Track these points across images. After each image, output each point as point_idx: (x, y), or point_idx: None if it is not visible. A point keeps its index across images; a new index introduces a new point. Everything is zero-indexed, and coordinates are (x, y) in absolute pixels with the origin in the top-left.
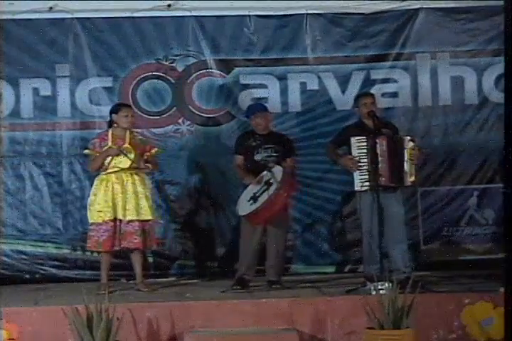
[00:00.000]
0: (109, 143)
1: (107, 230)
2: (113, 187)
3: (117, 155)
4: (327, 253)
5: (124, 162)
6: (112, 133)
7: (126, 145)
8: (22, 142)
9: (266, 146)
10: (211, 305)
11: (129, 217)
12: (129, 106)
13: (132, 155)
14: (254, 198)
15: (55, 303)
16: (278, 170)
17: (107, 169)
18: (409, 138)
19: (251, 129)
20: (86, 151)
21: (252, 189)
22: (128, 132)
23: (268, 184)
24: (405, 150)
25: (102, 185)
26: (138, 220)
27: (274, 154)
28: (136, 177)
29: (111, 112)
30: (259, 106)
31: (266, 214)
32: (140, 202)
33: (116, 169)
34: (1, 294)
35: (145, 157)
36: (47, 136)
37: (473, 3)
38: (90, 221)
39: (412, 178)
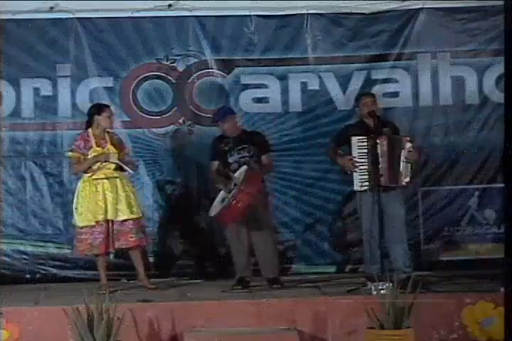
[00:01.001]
0: (93, 145)
1: (101, 232)
2: (103, 188)
3: (106, 160)
4: (328, 253)
5: (110, 164)
6: (93, 135)
7: (109, 146)
8: (23, 142)
9: (238, 148)
10: (212, 305)
11: (123, 217)
12: (109, 107)
13: (116, 157)
14: (224, 200)
15: (55, 303)
16: (242, 170)
17: (92, 171)
18: (407, 138)
19: (222, 133)
20: (69, 154)
21: (224, 192)
22: (106, 133)
23: (235, 185)
24: (402, 151)
25: (91, 187)
26: (132, 219)
27: (247, 154)
28: (122, 176)
29: (92, 113)
30: (226, 111)
31: (231, 213)
32: (131, 201)
33: (103, 170)
34: (1, 294)
35: (121, 157)
36: (47, 136)
37: (473, 3)
38: (81, 224)
39: (407, 179)
